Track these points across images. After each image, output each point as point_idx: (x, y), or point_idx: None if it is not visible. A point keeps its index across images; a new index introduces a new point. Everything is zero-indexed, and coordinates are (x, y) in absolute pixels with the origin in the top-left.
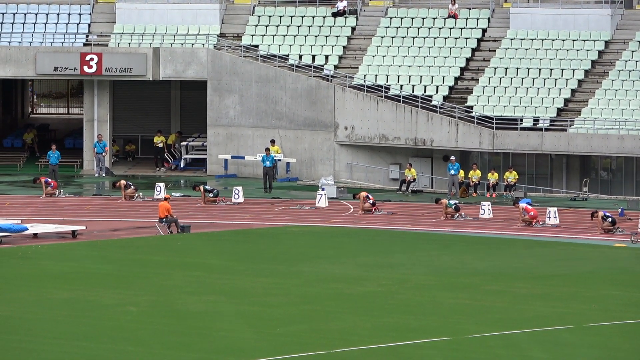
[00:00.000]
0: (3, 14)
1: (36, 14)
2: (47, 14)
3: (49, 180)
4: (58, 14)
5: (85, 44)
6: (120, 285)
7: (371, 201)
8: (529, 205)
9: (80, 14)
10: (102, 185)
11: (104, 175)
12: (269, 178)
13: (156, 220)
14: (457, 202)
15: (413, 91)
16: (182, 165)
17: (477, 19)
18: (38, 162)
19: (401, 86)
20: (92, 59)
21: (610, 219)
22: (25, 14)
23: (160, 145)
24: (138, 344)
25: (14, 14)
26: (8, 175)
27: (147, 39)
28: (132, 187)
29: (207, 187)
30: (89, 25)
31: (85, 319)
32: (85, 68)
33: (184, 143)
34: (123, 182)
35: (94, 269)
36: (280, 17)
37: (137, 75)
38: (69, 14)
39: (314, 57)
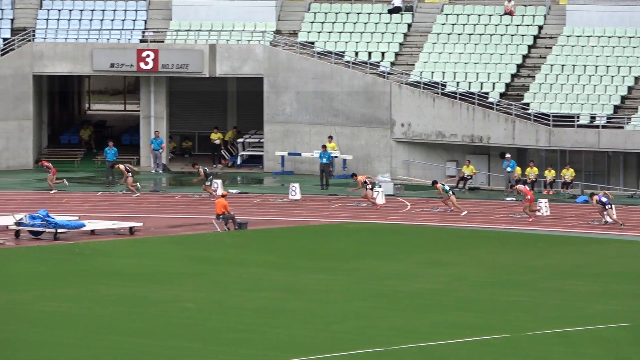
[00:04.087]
0: (59, 10)
1: (92, 11)
2: (103, 11)
3: (49, 165)
4: (114, 11)
5: (141, 41)
6: (178, 282)
7: (369, 186)
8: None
9: (136, 11)
10: (159, 182)
11: (160, 172)
12: (326, 175)
13: (213, 217)
14: (453, 187)
15: (469, 88)
16: (239, 162)
17: (534, 16)
18: (95, 159)
19: (457, 83)
20: (148, 56)
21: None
22: (81, 11)
23: (217, 142)
24: (195, 340)
25: (70, 11)
26: (65, 171)
27: (204, 35)
28: (131, 175)
29: (207, 170)
30: (145, 21)
31: (142, 315)
32: (142, 64)
33: (240, 140)
34: (122, 166)
35: (152, 266)
36: (337, 13)
37: (194, 72)
38: (125, 11)
39: (370, 54)
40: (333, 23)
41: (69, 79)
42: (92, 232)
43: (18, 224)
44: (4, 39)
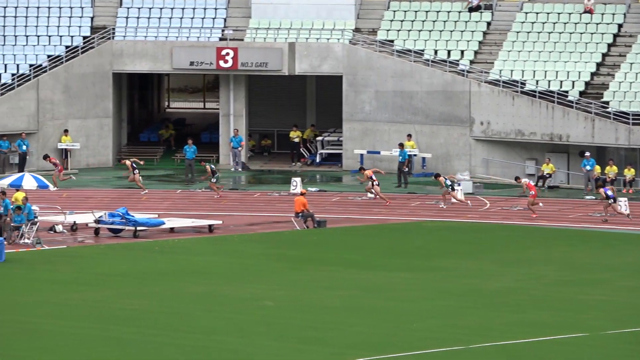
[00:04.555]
0: (139, 8)
1: (172, 9)
2: (183, 9)
3: (56, 162)
4: (194, 9)
5: (221, 39)
6: (257, 280)
7: (376, 182)
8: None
9: (216, 9)
10: (238, 179)
11: (240, 169)
12: (402, 173)
13: (292, 215)
14: (454, 182)
15: (549, 86)
16: (318, 160)
17: (613, 14)
18: (174, 157)
19: (537, 81)
20: (227, 54)
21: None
22: (161, 9)
23: (296, 140)
24: (274, 338)
25: (150, 9)
26: (144, 169)
27: (283, 33)
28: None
29: (214, 167)
30: (225, 20)
31: (222, 313)
32: (221, 63)
33: (319, 138)
34: (128, 162)
35: (231, 264)
36: (416, 12)
37: (273, 70)
38: (205, 9)
39: (449, 52)
40: (412, 21)
41: (148, 77)
42: (172, 229)
43: (98, 221)
44: (84, 37)
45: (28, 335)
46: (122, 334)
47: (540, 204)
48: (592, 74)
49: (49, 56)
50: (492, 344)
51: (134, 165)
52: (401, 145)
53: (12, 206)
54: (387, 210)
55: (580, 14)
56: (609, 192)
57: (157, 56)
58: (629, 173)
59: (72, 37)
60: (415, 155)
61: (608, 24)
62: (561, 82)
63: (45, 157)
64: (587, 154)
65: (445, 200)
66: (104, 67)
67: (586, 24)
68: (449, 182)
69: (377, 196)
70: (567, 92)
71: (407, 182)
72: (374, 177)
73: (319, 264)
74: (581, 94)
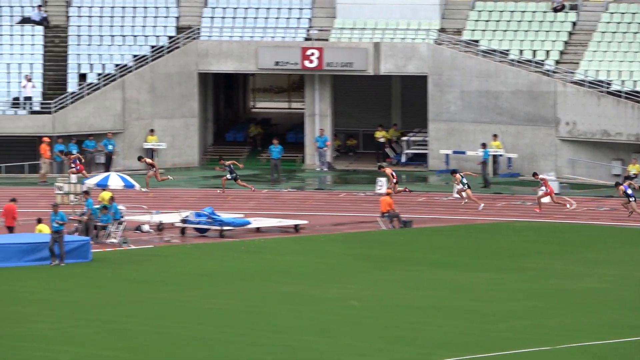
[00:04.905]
0: (224, 8)
1: (257, 9)
2: (268, 9)
3: (153, 163)
4: (279, 9)
5: (306, 39)
6: (343, 280)
7: (394, 180)
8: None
9: (301, 9)
10: (323, 179)
11: (325, 169)
12: (485, 173)
13: (378, 215)
14: (467, 183)
15: (634, 87)
16: (403, 160)
17: None
18: (260, 157)
19: (623, 82)
20: (312, 54)
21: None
22: (246, 9)
23: (382, 140)
24: (360, 338)
25: (235, 9)
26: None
27: (368, 33)
28: (153, 169)
29: (232, 167)
30: (310, 20)
31: (308, 313)
32: (306, 63)
33: (405, 138)
34: (149, 160)
35: (316, 263)
36: (501, 12)
37: (358, 70)
38: (290, 9)
39: (534, 52)
40: (497, 21)
41: (233, 76)
42: (258, 229)
43: (184, 221)
44: (170, 37)
45: (115, 335)
46: (208, 334)
47: (571, 205)
48: None
49: (134, 56)
50: (578, 345)
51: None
52: (483, 145)
53: (98, 206)
54: (474, 210)
55: None
56: (629, 191)
57: (242, 56)
58: None
59: (157, 37)
60: (500, 155)
61: None
62: None
63: (140, 158)
64: None
65: (464, 198)
66: (189, 67)
67: None
68: (465, 180)
69: (469, 199)
70: None
71: (488, 182)
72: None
73: (405, 264)
74: None
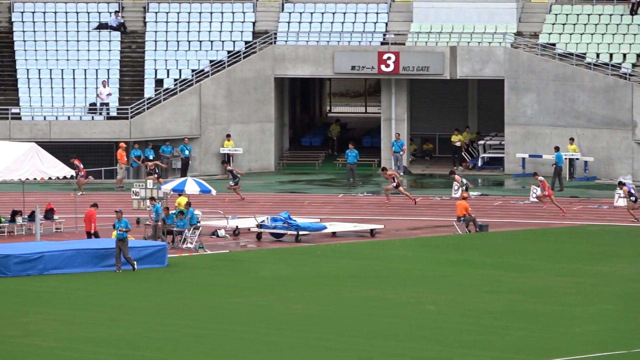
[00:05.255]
0: (301, 13)
1: (334, 13)
2: (344, 13)
3: (80, 166)
4: (355, 13)
5: (382, 43)
6: (419, 284)
7: (394, 183)
8: (633, 194)
9: (377, 13)
10: (399, 184)
11: (401, 174)
12: (559, 176)
13: (454, 219)
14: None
15: None
16: (479, 164)
17: None
18: (336, 161)
19: None
20: (389, 58)
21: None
22: (322, 13)
23: (458, 144)
24: (437, 342)
25: (311, 14)
26: (306, 174)
27: (444, 37)
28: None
29: (235, 172)
30: (386, 24)
31: (384, 317)
32: (383, 67)
33: (481, 142)
34: (151, 164)
35: (392, 268)
36: (578, 15)
37: (434, 74)
38: (366, 13)
39: (611, 55)
40: (574, 24)
41: (310, 81)
42: (334, 234)
43: (260, 226)
44: (246, 42)
45: (191, 340)
46: (285, 338)
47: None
48: None
49: (211, 61)
50: None
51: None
52: (557, 149)
53: (175, 211)
54: (550, 214)
55: None
56: (632, 191)
57: (318, 61)
58: None
59: (234, 42)
60: (577, 159)
61: None
62: None
63: (223, 162)
64: None
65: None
66: (265, 71)
67: None
68: (464, 181)
69: (551, 204)
70: None
71: (562, 185)
72: (395, 178)
73: (481, 268)
74: None
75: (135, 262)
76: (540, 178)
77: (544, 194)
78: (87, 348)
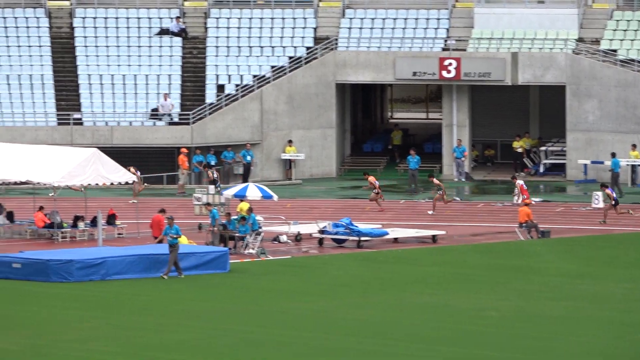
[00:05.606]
0: (362, 19)
1: (395, 19)
2: (405, 19)
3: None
4: (416, 19)
5: (443, 49)
6: (481, 290)
7: (376, 190)
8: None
9: (438, 19)
10: (461, 190)
11: (463, 180)
12: (617, 182)
13: (516, 226)
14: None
15: None
16: (541, 170)
17: None
18: (398, 167)
19: None
20: (450, 64)
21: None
22: (384, 19)
23: (520, 150)
24: (498, 348)
25: (372, 19)
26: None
27: (505, 43)
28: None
29: (216, 176)
30: (447, 30)
31: (445, 323)
32: (444, 73)
33: (543, 148)
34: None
35: (454, 274)
36: (639, 21)
37: (496, 80)
38: (427, 19)
39: None
40: (636, 30)
41: (371, 87)
42: (395, 240)
43: (321, 232)
44: (307, 48)
45: (252, 346)
46: (347, 344)
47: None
48: None
49: (272, 67)
50: None
51: (215, 178)
52: (613, 155)
53: (236, 217)
54: (611, 220)
55: None
56: (615, 194)
57: (379, 66)
58: None
59: (295, 47)
60: (639, 165)
61: None
62: None
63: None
64: None
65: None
66: (327, 77)
67: None
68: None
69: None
70: None
71: (621, 191)
72: (376, 185)
73: (543, 274)
74: None
75: (181, 270)
76: (518, 182)
77: (523, 199)
78: (148, 354)
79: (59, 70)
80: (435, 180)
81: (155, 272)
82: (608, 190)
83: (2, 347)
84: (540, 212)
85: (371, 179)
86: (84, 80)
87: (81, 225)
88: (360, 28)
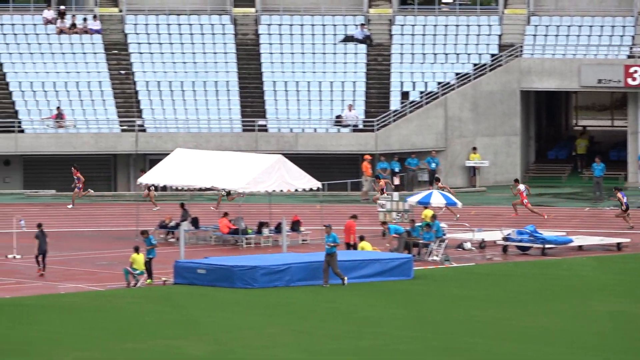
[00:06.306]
0: (547, 26)
1: (580, 26)
2: (590, 26)
3: (78, 179)
4: (602, 26)
5: (629, 56)
6: None
7: (379, 194)
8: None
9: (624, 27)
10: None
11: None
12: None
13: None
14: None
15: None
16: None
17: None
18: (582, 174)
19: None
20: (636, 71)
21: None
22: (569, 27)
23: None
24: None
25: (557, 27)
26: (552, 187)
27: None
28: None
29: (226, 190)
30: (633, 37)
31: (632, 332)
32: (629, 80)
33: None
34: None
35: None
36: None
37: None
38: (613, 26)
39: None
40: None
41: (555, 94)
42: (580, 247)
43: (506, 239)
44: (492, 55)
45: (438, 352)
46: (528, 352)
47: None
48: None
49: (457, 74)
50: None
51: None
52: None
53: (421, 223)
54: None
55: None
56: (625, 199)
57: (564, 74)
58: None
59: (480, 55)
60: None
61: None
62: None
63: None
64: None
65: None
66: (511, 84)
67: None
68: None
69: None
70: None
71: None
72: (384, 190)
73: None
74: None
75: (345, 277)
76: (519, 186)
77: (520, 201)
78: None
79: (244, 76)
80: (618, 195)
81: (337, 278)
82: (620, 194)
83: (189, 352)
84: None
85: (382, 183)
86: (269, 86)
87: (265, 231)
88: (545, 35)
